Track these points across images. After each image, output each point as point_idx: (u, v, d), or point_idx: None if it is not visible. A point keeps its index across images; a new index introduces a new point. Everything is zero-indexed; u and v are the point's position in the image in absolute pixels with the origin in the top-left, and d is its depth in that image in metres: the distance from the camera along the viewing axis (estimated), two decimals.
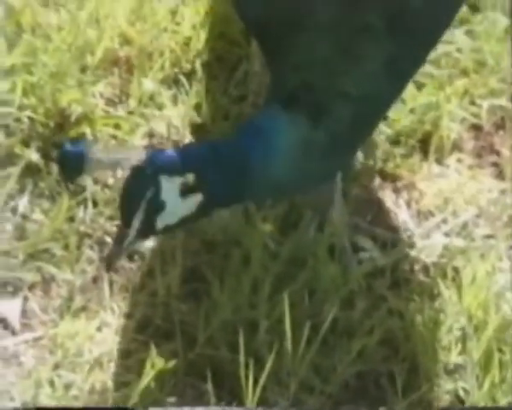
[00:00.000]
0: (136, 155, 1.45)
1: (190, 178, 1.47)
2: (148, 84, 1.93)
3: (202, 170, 1.48)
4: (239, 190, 1.53)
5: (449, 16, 1.65)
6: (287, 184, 1.57)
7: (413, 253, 1.88)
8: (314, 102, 1.54)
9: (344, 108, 1.54)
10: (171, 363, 1.60)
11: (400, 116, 2.03)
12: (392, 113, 2.05)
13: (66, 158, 1.43)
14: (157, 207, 1.45)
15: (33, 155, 1.79)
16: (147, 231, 1.47)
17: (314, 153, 1.55)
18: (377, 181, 1.99)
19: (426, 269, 1.86)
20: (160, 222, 1.46)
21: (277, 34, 1.55)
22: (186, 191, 1.47)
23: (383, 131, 2.03)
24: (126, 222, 1.45)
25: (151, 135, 1.91)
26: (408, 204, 1.97)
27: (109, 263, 1.51)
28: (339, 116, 1.54)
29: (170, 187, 1.45)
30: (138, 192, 1.44)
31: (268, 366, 1.58)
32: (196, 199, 1.48)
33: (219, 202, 1.54)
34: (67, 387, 1.61)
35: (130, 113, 1.91)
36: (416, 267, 1.87)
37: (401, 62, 1.56)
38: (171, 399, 1.62)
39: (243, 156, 1.52)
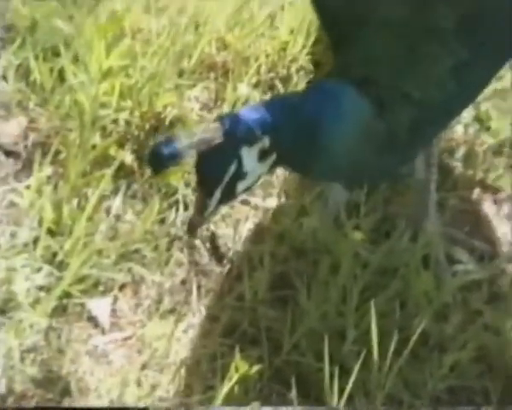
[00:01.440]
0: (214, 131, 1.45)
1: (266, 142, 1.47)
2: (243, 89, 1.93)
3: (277, 132, 1.47)
4: (308, 149, 1.50)
5: None
6: (344, 161, 1.51)
7: None
8: (378, 96, 1.49)
9: (404, 110, 1.48)
10: (256, 368, 1.59)
11: (504, 126, 1.97)
12: (495, 122, 1.98)
13: (162, 158, 1.44)
14: (240, 177, 1.47)
15: (127, 157, 1.82)
16: (228, 197, 1.49)
17: (373, 143, 1.49)
18: (477, 192, 1.93)
19: None
20: (241, 187, 1.49)
21: (346, 27, 1.51)
22: (263, 155, 1.48)
23: (485, 141, 1.97)
24: (208, 193, 1.47)
25: None
26: (509, 217, 1.90)
27: (191, 231, 1.53)
28: (398, 117, 1.48)
29: (250, 156, 1.46)
30: (222, 167, 1.45)
31: (354, 376, 1.54)
32: (271, 159, 1.49)
33: (290, 159, 1.53)
34: (154, 387, 1.62)
35: None
36: None
37: (471, 67, 1.48)
38: (256, 403, 1.60)
39: (315, 116, 1.49)
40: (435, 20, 1.47)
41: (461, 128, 1.99)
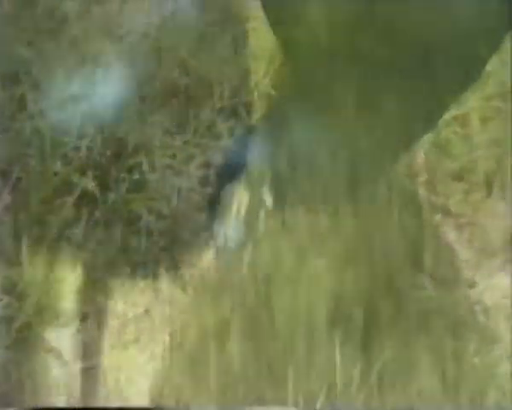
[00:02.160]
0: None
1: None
2: (206, 115, 1.93)
3: None
4: None
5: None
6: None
7: (474, 293, 1.83)
8: None
9: None
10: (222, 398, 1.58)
11: (464, 151, 1.99)
12: (455, 148, 2.00)
13: None
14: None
15: (89, 184, 1.80)
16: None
17: None
18: (438, 217, 1.94)
19: (487, 310, 1.81)
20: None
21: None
22: None
23: (446, 166, 1.99)
24: None
25: (207, 165, 1.90)
26: (470, 242, 1.92)
27: None
28: None
29: None
30: None
31: (319, 404, 1.54)
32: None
33: None
34: None
35: (186, 142, 1.91)
36: (477, 308, 1.81)
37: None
38: None
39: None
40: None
41: (421, 154, 2.00)
